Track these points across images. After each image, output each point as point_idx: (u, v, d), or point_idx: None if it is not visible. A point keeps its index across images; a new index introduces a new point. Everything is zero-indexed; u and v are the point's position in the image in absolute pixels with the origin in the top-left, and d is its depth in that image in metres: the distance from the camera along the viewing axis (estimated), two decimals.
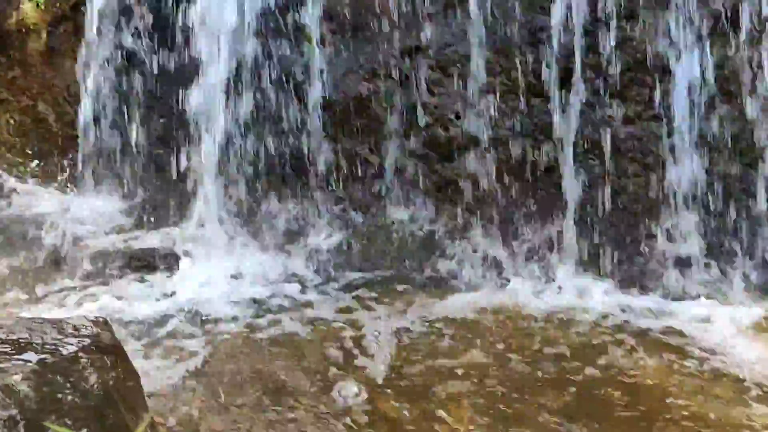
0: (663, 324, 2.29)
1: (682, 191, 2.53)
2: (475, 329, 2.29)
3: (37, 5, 4.09)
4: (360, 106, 2.98)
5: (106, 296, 2.64)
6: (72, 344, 1.00)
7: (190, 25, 3.03)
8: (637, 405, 1.87)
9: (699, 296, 2.46)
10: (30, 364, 0.90)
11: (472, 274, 2.67)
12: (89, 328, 1.05)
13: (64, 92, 3.94)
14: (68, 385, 0.92)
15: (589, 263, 2.60)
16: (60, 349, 0.98)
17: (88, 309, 2.50)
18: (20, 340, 0.95)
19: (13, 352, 0.92)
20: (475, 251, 2.72)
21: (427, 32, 2.86)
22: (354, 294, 2.65)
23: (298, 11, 2.99)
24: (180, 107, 3.18)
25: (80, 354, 0.98)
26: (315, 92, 2.99)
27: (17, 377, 0.86)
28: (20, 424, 0.80)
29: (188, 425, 1.62)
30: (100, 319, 1.09)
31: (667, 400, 1.88)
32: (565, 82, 2.65)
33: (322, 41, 3.01)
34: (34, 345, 0.95)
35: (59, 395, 0.90)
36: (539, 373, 2.03)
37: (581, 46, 2.58)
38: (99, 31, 3.58)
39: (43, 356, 0.93)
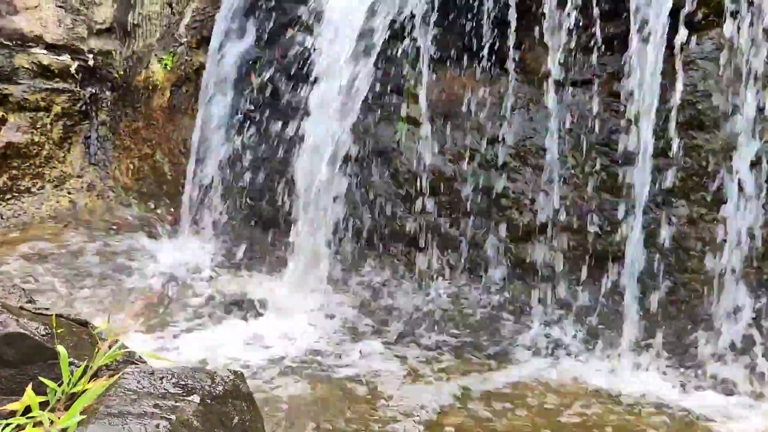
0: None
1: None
2: (525, 402, 2.54)
3: (165, 66, 4.56)
4: (445, 184, 3.31)
5: (203, 339, 3.03)
6: (221, 390, 1.34)
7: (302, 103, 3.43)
8: None
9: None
10: (196, 403, 1.24)
11: (532, 349, 2.92)
12: (231, 378, 1.40)
13: (180, 145, 4.39)
14: (220, 422, 1.26)
15: (647, 349, 2.81)
16: (213, 393, 1.32)
17: (194, 347, 2.90)
18: (188, 385, 1.30)
19: (184, 394, 1.26)
20: (537, 328, 2.98)
21: (510, 124, 3.18)
22: (423, 355, 2.95)
23: (397, 97, 3.37)
24: (285, 172, 3.58)
25: (228, 398, 1.33)
26: (406, 167, 3.35)
27: (190, 414, 1.20)
28: None
29: None
30: (239, 372, 1.43)
31: None
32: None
33: (417, 123, 3.38)
34: (197, 389, 1.29)
35: (215, 430, 1.23)
36: None
37: (650, 149, 2.83)
38: (213, 96, 4.03)
39: (203, 398, 1.27)
